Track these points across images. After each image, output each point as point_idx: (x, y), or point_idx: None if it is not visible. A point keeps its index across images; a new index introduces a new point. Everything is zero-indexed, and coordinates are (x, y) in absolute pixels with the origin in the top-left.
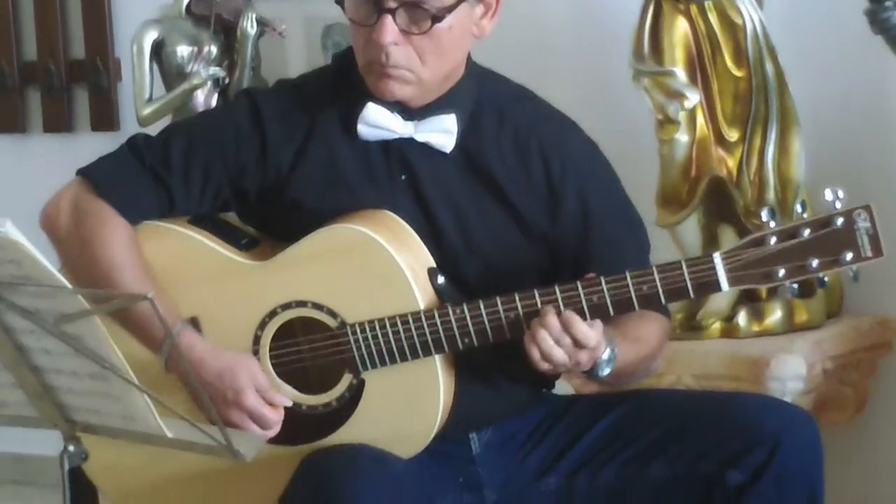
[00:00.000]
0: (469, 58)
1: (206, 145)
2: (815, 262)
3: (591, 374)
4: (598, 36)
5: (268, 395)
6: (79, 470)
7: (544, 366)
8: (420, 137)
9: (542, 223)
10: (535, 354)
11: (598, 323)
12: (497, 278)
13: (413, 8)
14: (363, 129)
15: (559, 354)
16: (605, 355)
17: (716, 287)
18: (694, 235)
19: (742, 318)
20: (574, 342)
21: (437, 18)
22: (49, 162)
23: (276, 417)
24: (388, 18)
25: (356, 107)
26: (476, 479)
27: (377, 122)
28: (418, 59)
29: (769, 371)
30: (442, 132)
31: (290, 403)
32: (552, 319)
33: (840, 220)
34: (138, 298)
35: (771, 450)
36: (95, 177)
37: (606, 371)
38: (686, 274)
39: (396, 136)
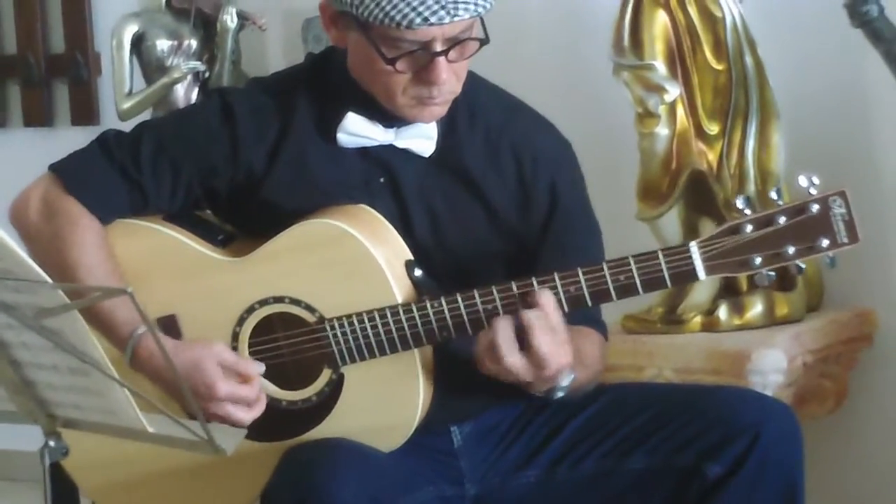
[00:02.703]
0: None
1: (176, 144)
2: (791, 250)
3: (547, 394)
4: (577, 29)
5: (238, 368)
6: (59, 465)
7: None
8: (400, 144)
9: (515, 220)
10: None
11: (569, 348)
12: (470, 277)
13: (459, 43)
14: (343, 138)
15: (547, 342)
16: (566, 381)
17: (693, 276)
18: (674, 229)
19: (723, 312)
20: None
21: (484, 42)
22: (29, 156)
23: (253, 393)
24: (443, 60)
25: (334, 113)
26: (457, 472)
27: (358, 131)
28: (457, 80)
29: (750, 365)
30: (422, 138)
31: (263, 368)
32: (549, 298)
33: (815, 207)
34: (118, 292)
35: (751, 441)
36: (66, 173)
37: (559, 395)
38: (663, 263)
39: (377, 144)
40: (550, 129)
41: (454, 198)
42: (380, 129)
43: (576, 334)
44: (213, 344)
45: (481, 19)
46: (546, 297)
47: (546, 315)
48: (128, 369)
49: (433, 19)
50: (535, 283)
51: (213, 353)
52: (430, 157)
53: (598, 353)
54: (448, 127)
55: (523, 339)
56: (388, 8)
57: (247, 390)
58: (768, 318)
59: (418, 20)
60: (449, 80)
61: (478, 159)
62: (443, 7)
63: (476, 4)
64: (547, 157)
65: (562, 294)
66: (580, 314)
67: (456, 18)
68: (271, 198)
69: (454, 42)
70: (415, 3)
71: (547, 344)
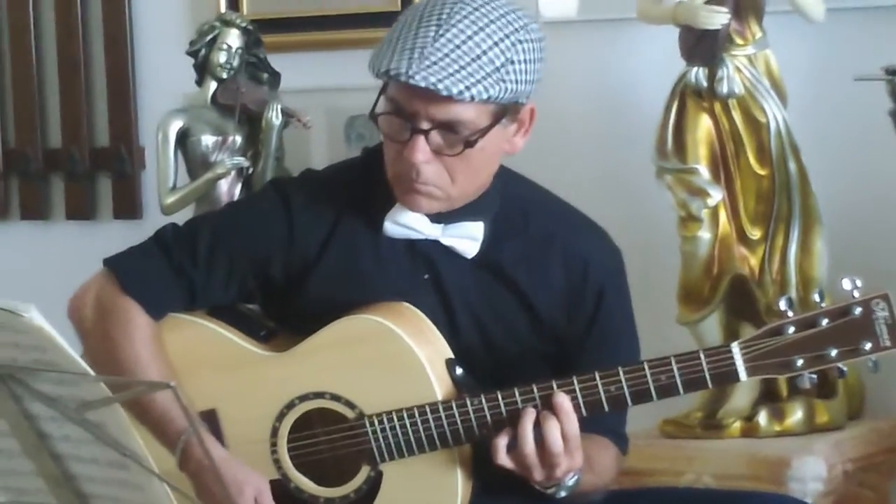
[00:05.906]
0: None
1: (232, 236)
2: (833, 352)
3: (549, 489)
4: (620, 131)
5: None
6: None
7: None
8: (446, 241)
9: (560, 325)
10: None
11: (580, 454)
12: (512, 375)
13: (447, 130)
14: (390, 227)
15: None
16: (571, 482)
17: (734, 377)
18: (715, 333)
19: (762, 418)
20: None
21: (469, 143)
22: (71, 249)
23: None
24: (421, 139)
25: (384, 204)
26: None
27: (405, 221)
28: (448, 178)
29: (790, 472)
30: (468, 238)
31: None
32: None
33: (858, 310)
34: (161, 386)
35: None
36: (121, 271)
37: (562, 494)
38: (704, 364)
39: (423, 237)
40: (602, 235)
41: (497, 301)
42: (426, 222)
43: (591, 442)
44: (260, 477)
45: (493, 126)
46: (560, 400)
47: (562, 419)
48: (166, 465)
49: (417, 77)
50: (554, 385)
51: (255, 485)
52: (472, 258)
53: (611, 464)
54: (495, 229)
55: (538, 438)
56: (388, 55)
57: None
58: (808, 425)
59: (402, 72)
60: (429, 166)
61: (524, 264)
62: (427, 69)
63: (466, 88)
64: (597, 263)
65: (602, 395)
66: (602, 425)
67: (433, 86)
68: (319, 288)
69: (442, 127)
70: (406, 58)
71: (559, 446)
